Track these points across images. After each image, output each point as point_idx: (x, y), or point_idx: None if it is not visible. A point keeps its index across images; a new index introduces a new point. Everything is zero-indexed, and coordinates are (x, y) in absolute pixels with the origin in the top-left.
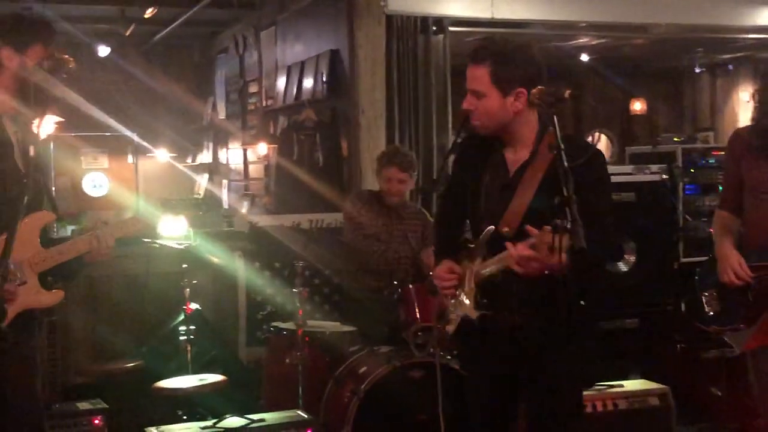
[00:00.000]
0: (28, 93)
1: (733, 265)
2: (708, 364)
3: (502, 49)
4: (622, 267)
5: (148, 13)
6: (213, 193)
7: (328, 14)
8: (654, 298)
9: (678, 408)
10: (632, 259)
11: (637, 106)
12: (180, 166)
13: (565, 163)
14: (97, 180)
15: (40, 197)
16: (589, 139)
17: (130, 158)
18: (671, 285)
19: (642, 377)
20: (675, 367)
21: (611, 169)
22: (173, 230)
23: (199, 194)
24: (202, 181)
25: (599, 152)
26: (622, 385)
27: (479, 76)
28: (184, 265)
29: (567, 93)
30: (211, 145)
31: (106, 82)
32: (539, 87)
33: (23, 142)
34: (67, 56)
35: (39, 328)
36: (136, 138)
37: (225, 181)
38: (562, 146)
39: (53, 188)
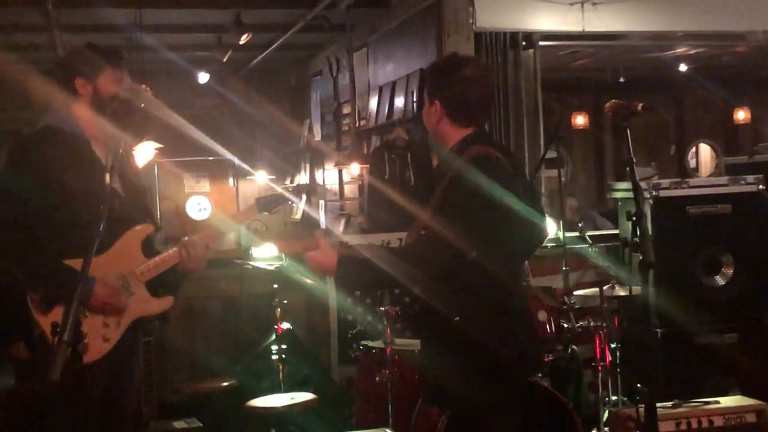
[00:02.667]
0: (117, 118)
1: None
2: None
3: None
4: (720, 281)
5: (243, 39)
6: (310, 214)
7: (418, 33)
8: (753, 312)
9: None
10: (730, 272)
11: (741, 115)
12: (279, 188)
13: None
14: (199, 203)
15: (137, 215)
16: (692, 150)
17: (231, 181)
18: None
19: (742, 394)
20: None
21: (707, 180)
22: (266, 252)
23: (297, 215)
24: (300, 202)
25: (461, 175)
26: (718, 402)
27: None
28: (275, 286)
29: (640, 106)
30: (308, 166)
31: (206, 107)
32: (613, 101)
33: (115, 166)
34: (144, 85)
35: (138, 348)
36: (236, 161)
37: (322, 202)
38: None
39: (158, 208)
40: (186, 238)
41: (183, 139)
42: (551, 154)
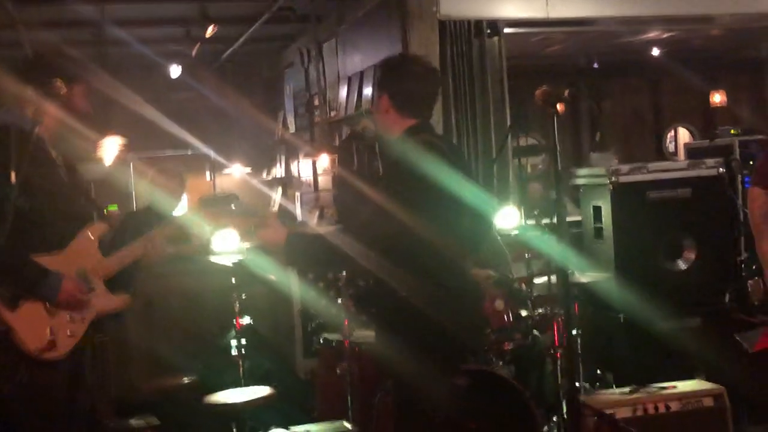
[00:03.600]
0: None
1: None
2: None
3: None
4: (682, 265)
5: (209, 32)
6: (286, 207)
7: (383, 23)
8: (716, 296)
9: (746, 408)
10: (692, 256)
11: (717, 98)
12: (255, 181)
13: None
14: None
15: (92, 213)
16: (671, 134)
17: (207, 175)
18: (733, 282)
19: (706, 378)
20: (740, 366)
21: (667, 165)
22: (226, 245)
23: (274, 208)
24: (276, 195)
25: (405, 156)
26: (675, 386)
27: None
28: (233, 280)
29: (566, 92)
30: (283, 158)
31: (180, 101)
32: (542, 88)
33: (70, 163)
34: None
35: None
36: (212, 154)
37: (298, 194)
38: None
39: (134, 206)
40: (151, 234)
41: (158, 133)
42: (529, 141)
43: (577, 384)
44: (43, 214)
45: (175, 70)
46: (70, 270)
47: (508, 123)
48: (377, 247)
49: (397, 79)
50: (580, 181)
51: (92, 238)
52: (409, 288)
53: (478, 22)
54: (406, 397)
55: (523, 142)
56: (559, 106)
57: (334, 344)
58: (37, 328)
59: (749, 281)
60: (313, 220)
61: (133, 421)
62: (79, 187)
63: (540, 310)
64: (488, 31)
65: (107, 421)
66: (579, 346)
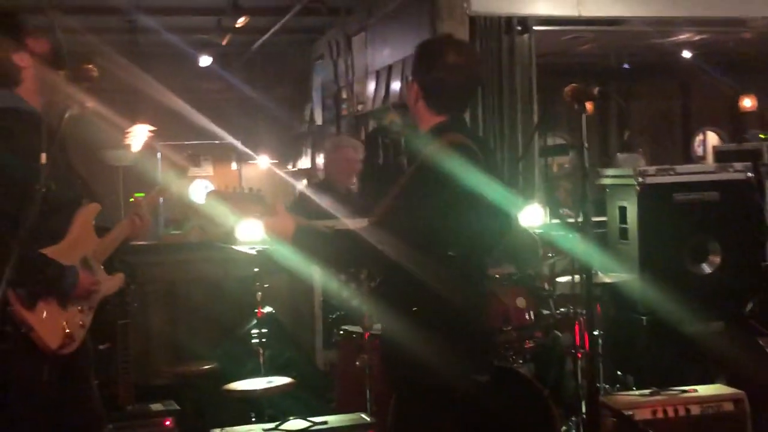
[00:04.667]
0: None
1: None
2: None
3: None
4: (706, 268)
5: (240, 22)
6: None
7: (413, 17)
8: (739, 300)
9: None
10: (717, 260)
11: (747, 102)
12: (281, 172)
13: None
14: (206, 186)
15: (82, 195)
16: (699, 137)
17: (233, 165)
18: (758, 287)
19: (727, 383)
20: (762, 371)
21: (694, 167)
22: (250, 234)
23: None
24: (302, 186)
25: (431, 159)
26: (696, 390)
27: None
28: (256, 269)
29: (596, 91)
30: (309, 150)
31: (209, 92)
32: (572, 85)
33: (63, 143)
34: (90, 65)
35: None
36: (239, 145)
37: None
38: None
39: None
40: (134, 209)
41: (186, 122)
42: (557, 140)
43: (596, 384)
44: (48, 201)
45: (204, 60)
46: (75, 259)
47: (536, 121)
48: (401, 241)
49: (430, 66)
50: (606, 181)
51: (88, 220)
52: (437, 281)
53: (509, 19)
54: (422, 390)
55: (550, 141)
56: (588, 105)
57: (354, 336)
58: (54, 324)
59: None
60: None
61: (153, 406)
62: (72, 168)
63: (562, 309)
64: (518, 28)
65: (127, 405)
66: (600, 347)
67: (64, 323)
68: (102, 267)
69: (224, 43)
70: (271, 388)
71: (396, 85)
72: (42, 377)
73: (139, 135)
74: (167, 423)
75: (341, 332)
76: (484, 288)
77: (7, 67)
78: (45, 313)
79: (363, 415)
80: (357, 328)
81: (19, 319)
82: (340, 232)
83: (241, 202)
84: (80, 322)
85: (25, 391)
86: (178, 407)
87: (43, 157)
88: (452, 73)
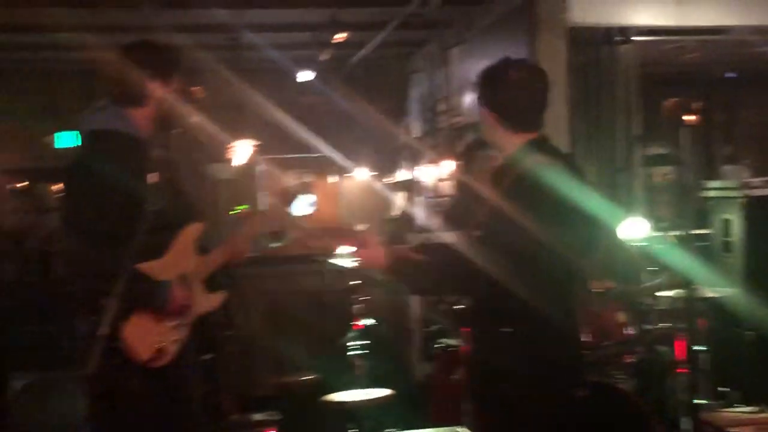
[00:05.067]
0: (168, 120)
1: None
2: None
3: (486, 68)
4: None
5: (338, 38)
6: (410, 210)
7: (511, 29)
8: None
9: None
10: None
11: None
12: (378, 184)
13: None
14: (308, 199)
15: (189, 214)
16: None
17: (332, 178)
18: None
19: None
20: None
21: None
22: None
23: (397, 212)
24: (400, 199)
25: (524, 179)
26: None
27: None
28: (355, 282)
29: (695, 105)
30: (407, 163)
31: (309, 105)
32: (671, 99)
33: (170, 164)
34: (198, 87)
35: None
36: (338, 158)
37: (420, 199)
38: None
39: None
40: (234, 232)
41: (285, 136)
42: (659, 150)
43: (699, 401)
44: (155, 219)
45: (304, 75)
46: (172, 275)
47: (637, 132)
48: (501, 256)
49: (499, 89)
50: (709, 194)
51: (190, 240)
52: (536, 295)
53: (609, 29)
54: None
55: (652, 151)
56: (689, 118)
57: (451, 350)
58: (147, 337)
59: None
60: (435, 225)
61: (255, 416)
62: (180, 186)
63: (663, 324)
64: (618, 38)
65: (230, 415)
66: (702, 362)
67: (157, 337)
68: (202, 285)
69: (324, 58)
70: (369, 399)
71: None
72: (145, 390)
73: (241, 149)
74: None
75: (438, 345)
76: (578, 301)
77: (137, 89)
78: (138, 325)
79: (459, 429)
80: (454, 342)
81: (113, 330)
82: (435, 263)
83: (336, 236)
84: (174, 337)
85: (130, 403)
86: (279, 417)
87: (150, 177)
88: (519, 89)
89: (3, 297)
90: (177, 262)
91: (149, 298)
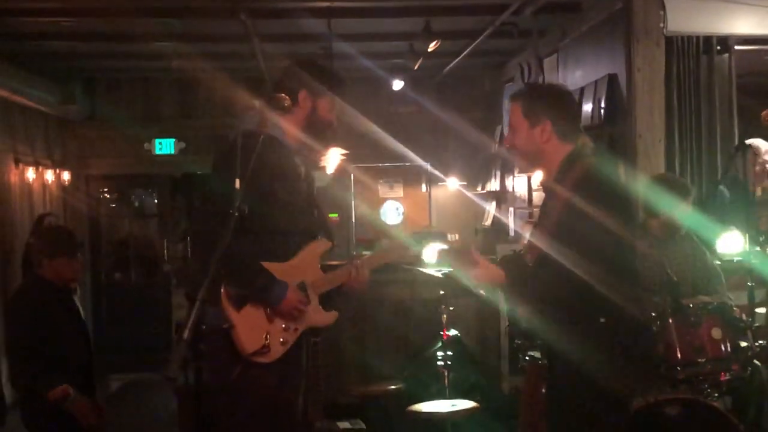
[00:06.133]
0: (315, 131)
1: None
2: None
3: (533, 86)
4: None
5: (432, 46)
6: (501, 220)
7: (607, 38)
8: None
9: None
10: None
11: None
12: (470, 194)
13: None
14: (397, 208)
15: (320, 228)
16: None
17: (423, 187)
18: None
19: None
20: None
21: None
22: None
23: (487, 222)
24: (490, 208)
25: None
26: None
27: (513, 111)
28: (442, 292)
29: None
30: (498, 173)
31: (400, 115)
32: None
33: (308, 176)
34: (283, 95)
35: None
36: (429, 167)
37: (511, 209)
38: None
39: (353, 215)
40: (356, 260)
41: (377, 145)
42: None
43: None
44: (279, 224)
45: (397, 84)
46: (292, 281)
47: (736, 142)
48: (584, 260)
49: (560, 104)
50: None
51: (316, 253)
52: (621, 298)
53: (708, 39)
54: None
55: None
56: None
57: (540, 362)
58: (256, 330)
59: None
60: (526, 235)
61: (340, 423)
62: (314, 201)
63: (761, 342)
64: (718, 47)
65: (316, 422)
66: None
67: (265, 334)
68: (318, 299)
69: (416, 67)
70: (455, 411)
71: (588, 107)
72: (232, 375)
73: (332, 158)
74: None
75: (527, 358)
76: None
77: (289, 95)
78: (249, 316)
79: None
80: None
81: (224, 314)
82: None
83: (454, 260)
84: (281, 339)
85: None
86: (363, 426)
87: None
88: (575, 103)
89: (107, 300)
90: (300, 269)
91: (265, 291)
